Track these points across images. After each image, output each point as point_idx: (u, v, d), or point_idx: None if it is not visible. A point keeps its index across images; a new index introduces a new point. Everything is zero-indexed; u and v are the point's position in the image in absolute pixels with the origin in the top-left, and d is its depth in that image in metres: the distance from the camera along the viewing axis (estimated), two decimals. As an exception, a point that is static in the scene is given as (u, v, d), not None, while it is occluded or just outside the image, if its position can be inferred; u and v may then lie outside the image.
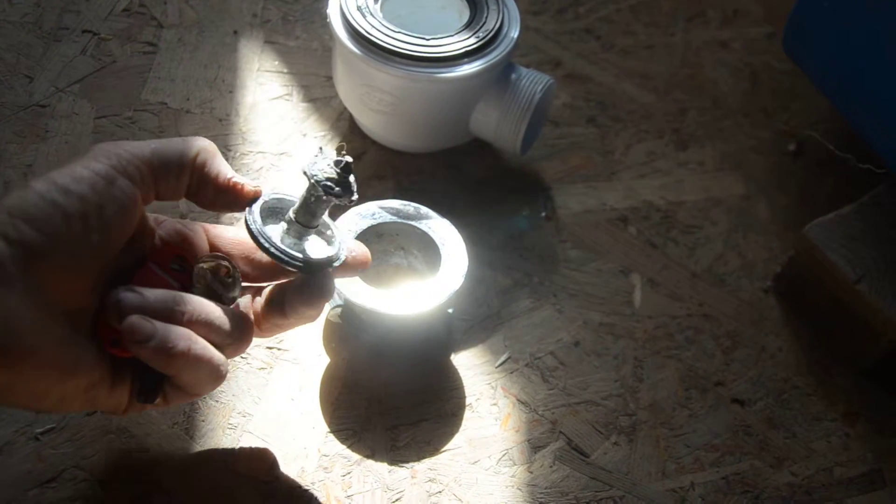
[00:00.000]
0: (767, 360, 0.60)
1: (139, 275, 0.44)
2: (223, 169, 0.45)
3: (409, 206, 0.57)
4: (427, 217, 0.57)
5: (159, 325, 0.41)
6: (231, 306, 0.46)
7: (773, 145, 0.72)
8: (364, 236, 0.56)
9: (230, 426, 0.52)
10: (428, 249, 0.57)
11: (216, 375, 0.44)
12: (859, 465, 0.56)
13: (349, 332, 0.57)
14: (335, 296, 0.53)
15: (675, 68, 0.76)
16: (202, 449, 0.51)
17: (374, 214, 0.57)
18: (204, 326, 0.43)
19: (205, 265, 0.46)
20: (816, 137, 0.70)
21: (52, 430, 0.50)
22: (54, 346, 0.39)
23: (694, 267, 0.64)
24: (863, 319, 0.57)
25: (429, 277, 0.56)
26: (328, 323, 0.57)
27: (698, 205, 0.68)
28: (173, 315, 0.42)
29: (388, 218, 0.57)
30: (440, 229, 0.57)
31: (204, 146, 0.45)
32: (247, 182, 0.46)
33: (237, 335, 0.45)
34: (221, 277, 0.46)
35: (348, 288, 0.53)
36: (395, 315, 0.53)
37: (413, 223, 0.57)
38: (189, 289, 0.45)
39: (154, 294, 0.42)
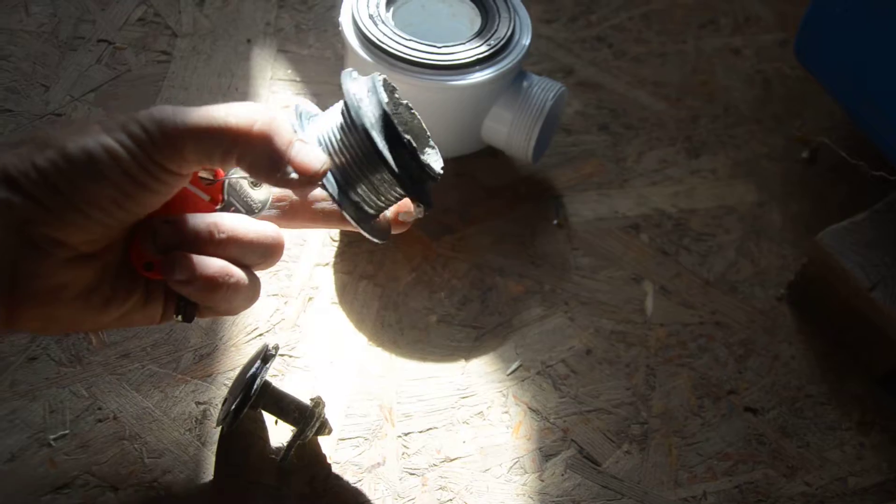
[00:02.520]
0: (780, 369, 0.60)
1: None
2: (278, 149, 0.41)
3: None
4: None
5: (199, 263, 0.41)
6: (259, 214, 0.46)
7: (785, 152, 0.72)
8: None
9: (242, 433, 0.52)
10: None
11: (252, 297, 0.45)
12: (874, 474, 0.56)
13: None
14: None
15: (687, 76, 0.76)
16: (214, 455, 0.51)
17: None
18: (240, 248, 0.43)
19: (235, 175, 0.45)
20: (829, 144, 0.69)
21: (65, 436, 0.50)
22: (84, 294, 0.40)
23: (706, 275, 0.64)
24: (877, 327, 0.57)
25: None
26: None
27: (711, 212, 0.67)
28: (210, 243, 0.42)
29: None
30: None
31: (256, 125, 0.41)
32: (311, 161, 0.41)
33: (270, 252, 0.45)
34: (252, 184, 0.45)
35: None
36: None
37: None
38: (220, 200, 0.45)
39: (189, 223, 0.42)
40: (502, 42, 0.61)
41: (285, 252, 0.60)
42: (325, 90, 0.70)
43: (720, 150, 0.72)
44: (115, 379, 0.53)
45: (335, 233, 0.62)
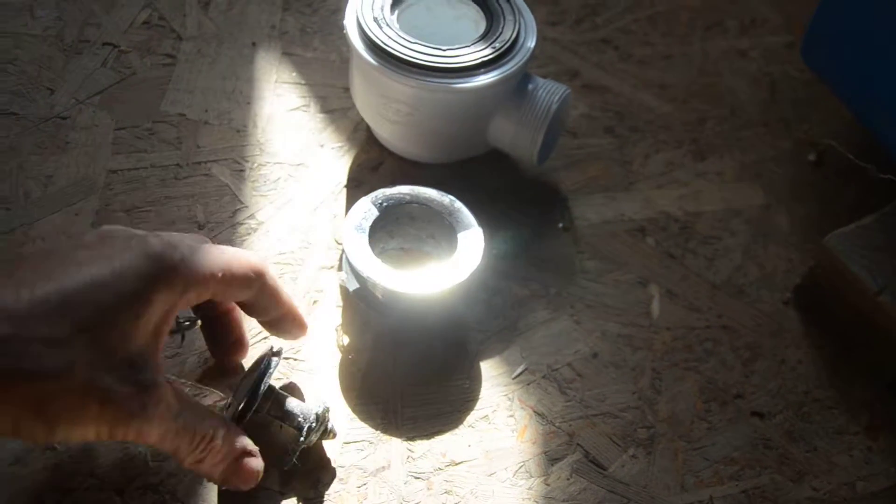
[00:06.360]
0: (787, 373, 0.59)
1: None
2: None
3: (444, 198, 0.58)
4: (459, 213, 0.58)
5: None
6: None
7: (792, 155, 0.72)
8: (394, 213, 0.57)
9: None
10: (451, 242, 0.57)
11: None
12: (882, 479, 0.55)
13: (368, 316, 0.57)
14: (351, 276, 0.56)
15: (693, 78, 0.76)
16: (218, 459, 0.51)
17: (410, 196, 0.58)
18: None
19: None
20: (836, 147, 0.69)
21: (70, 439, 0.50)
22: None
23: (713, 278, 0.63)
24: (885, 331, 0.57)
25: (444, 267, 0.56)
26: (346, 307, 0.57)
27: (717, 215, 0.67)
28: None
29: (423, 201, 0.58)
30: (464, 224, 0.57)
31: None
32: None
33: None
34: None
35: (369, 266, 0.53)
36: (413, 294, 0.53)
37: (444, 215, 0.57)
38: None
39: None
40: (507, 45, 0.61)
41: (290, 255, 0.60)
42: (330, 93, 0.70)
43: (727, 153, 0.71)
44: (119, 382, 0.53)
45: (339, 236, 0.62)
